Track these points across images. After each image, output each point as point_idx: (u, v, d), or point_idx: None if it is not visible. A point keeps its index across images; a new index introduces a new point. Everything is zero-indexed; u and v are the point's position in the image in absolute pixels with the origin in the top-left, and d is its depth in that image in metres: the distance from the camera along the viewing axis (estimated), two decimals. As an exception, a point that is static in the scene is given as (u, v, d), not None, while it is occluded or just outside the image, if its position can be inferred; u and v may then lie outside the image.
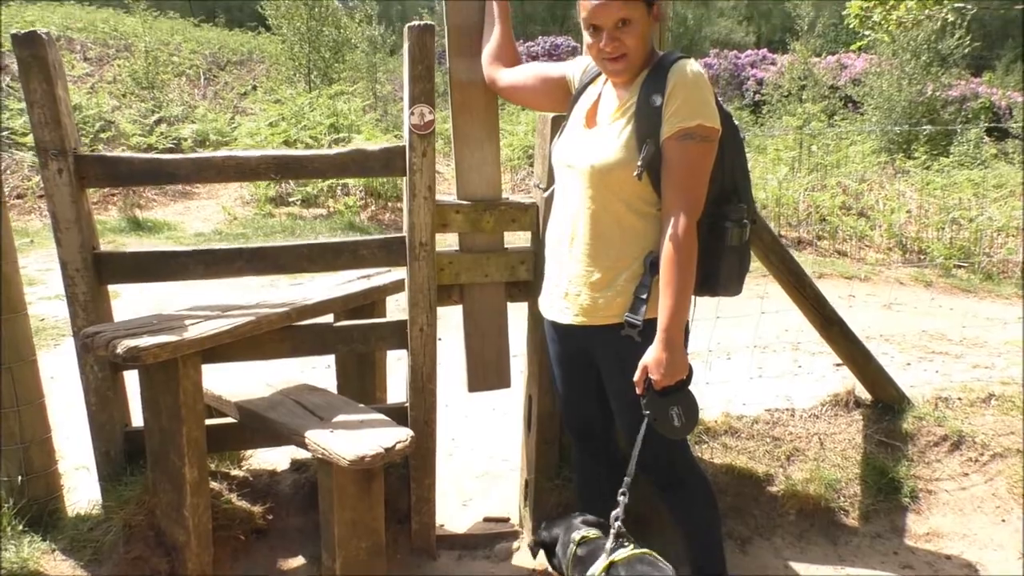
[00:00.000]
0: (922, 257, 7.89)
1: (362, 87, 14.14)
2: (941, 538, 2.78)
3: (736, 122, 1.98)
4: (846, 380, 3.38)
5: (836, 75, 17.53)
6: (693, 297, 1.96)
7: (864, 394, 3.32)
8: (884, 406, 3.25)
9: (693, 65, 1.88)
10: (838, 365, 3.46)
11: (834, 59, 18.31)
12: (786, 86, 16.30)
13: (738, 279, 2.06)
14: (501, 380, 2.76)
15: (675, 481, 2.20)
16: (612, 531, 1.98)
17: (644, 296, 1.94)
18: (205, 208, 9.31)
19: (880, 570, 2.65)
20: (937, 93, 14.78)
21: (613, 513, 1.99)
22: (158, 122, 10.87)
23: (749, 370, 4.08)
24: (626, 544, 1.99)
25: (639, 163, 1.87)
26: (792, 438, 3.13)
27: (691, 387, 1.97)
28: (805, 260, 7.46)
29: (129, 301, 4.99)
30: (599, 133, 2.00)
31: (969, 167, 11.04)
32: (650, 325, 1.92)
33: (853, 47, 11.72)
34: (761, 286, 5.53)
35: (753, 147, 12.02)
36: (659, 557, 1.98)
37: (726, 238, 1.95)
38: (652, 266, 1.92)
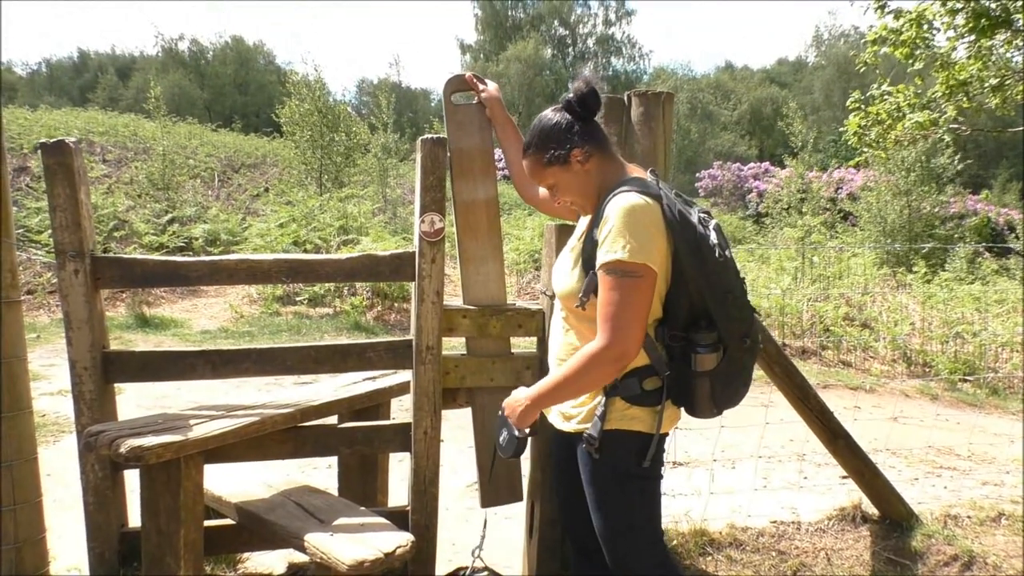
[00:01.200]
0: (927, 370, 7.88)
1: (372, 190, 14.51)
2: (956, 663, 2.69)
3: (714, 242, 1.90)
4: (852, 493, 3.33)
5: (836, 189, 17.96)
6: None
7: (871, 508, 3.27)
8: (892, 522, 3.19)
9: (625, 198, 1.91)
10: (844, 478, 3.42)
11: (830, 175, 18.78)
12: (785, 199, 16.68)
13: (713, 403, 2.03)
14: (513, 495, 2.75)
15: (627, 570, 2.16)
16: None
17: (600, 413, 2.02)
18: (212, 306, 9.40)
19: None
20: (936, 209, 15.10)
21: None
22: (171, 222, 11.11)
23: (754, 481, 4.02)
24: None
25: (581, 294, 2.00)
26: (798, 552, 3.06)
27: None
28: (810, 370, 7.46)
29: (132, 396, 4.99)
30: (562, 260, 2.15)
31: (968, 282, 11.16)
32: (609, 436, 2.00)
33: (851, 163, 12.07)
34: (766, 394, 5.54)
35: (756, 257, 12.20)
36: None
37: (693, 365, 1.96)
38: (611, 388, 2.01)
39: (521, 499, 2.76)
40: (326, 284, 9.21)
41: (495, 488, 2.72)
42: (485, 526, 2.40)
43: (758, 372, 5.83)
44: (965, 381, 7.49)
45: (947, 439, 5.37)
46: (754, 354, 2.03)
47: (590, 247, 1.99)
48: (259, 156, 18.50)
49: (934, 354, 8.17)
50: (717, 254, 1.89)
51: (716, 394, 2.01)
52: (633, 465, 2.03)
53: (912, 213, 14.44)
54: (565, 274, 2.10)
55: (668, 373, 1.98)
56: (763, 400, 5.11)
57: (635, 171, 2.08)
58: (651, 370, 1.99)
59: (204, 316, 9.03)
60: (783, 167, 19.46)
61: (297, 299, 9.26)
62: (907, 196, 14.52)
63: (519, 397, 2.07)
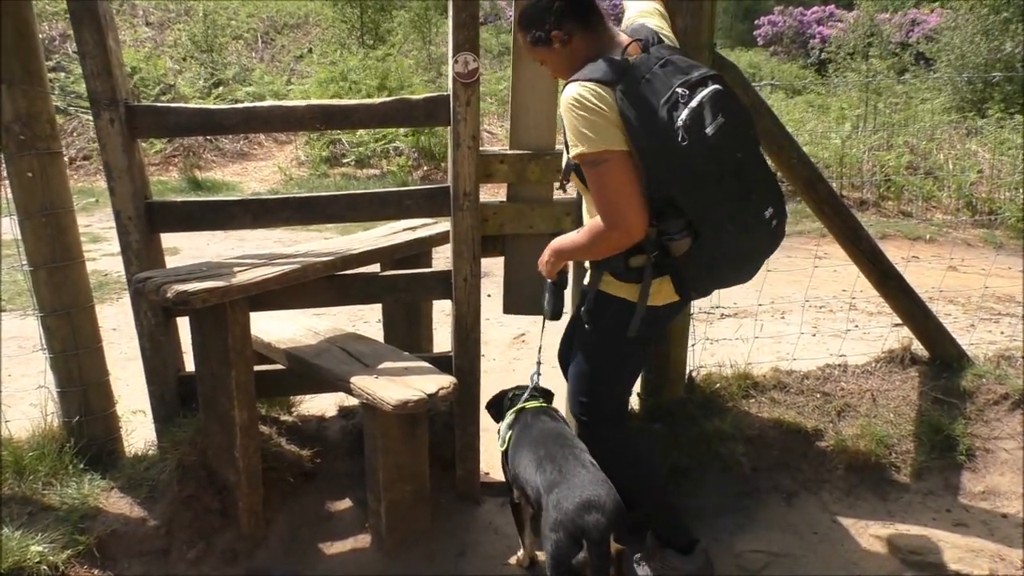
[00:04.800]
0: (992, 218, 7.57)
1: (415, 48, 14.08)
2: (998, 497, 2.69)
3: (680, 124, 1.76)
4: (904, 340, 3.28)
5: (907, 32, 16.80)
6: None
7: (921, 351, 3.22)
8: (942, 363, 3.14)
9: (568, 92, 1.90)
10: (897, 325, 3.36)
11: (904, 15, 17.55)
12: (851, 43, 15.70)
13: (695, 286, 2.05)
14: (535, 306, 2.75)
15: (587, 419, 2.29)
16: (529, 387, 2.43)
17: (591, 280, 2.12)
18: (262, 169, 9.46)
19: (932, 527, 2.58)
20: (1016, 50, 14.03)
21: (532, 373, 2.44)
22: (216, 85, 11.03)
23: (803, 328, 3.99)
24: (538, 398, 2.41)
25: (562, 176, 2.10)
26: (843, 394, 3.06)
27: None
28: (868, 221, 7.24)
29: (188, 258, 5.13)
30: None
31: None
32: (599, 297, 2.10)
33: (931, 4, 11.17)
34: (821, 247, 5.43)
35: (816, 107, 11.64)
36: (561, 416, 2.36)
37: (670, 251, 1.92)
38: (599, 261, 2.08)
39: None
40: (371, 144, 9.16)
41: (519, 297, 2.75)
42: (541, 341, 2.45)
43: (814, 223, 5.69)
44: (1033, 229, 7.19)
45: (1009, 287, 5.22)
46: (751, 236, 1.91)
47: (565, 133, 1.98)
48: (301, 16, 18.01)
49: (1002, 202, 7.82)
50: (680, 137, 1.76)
51: (696, 278, 2.00)
52: (614, 327, 2.09)
53: (993, 53, 13.46)
54: (564, 155, 2.09)
55: (655, 252, 1.95)
56: (818, 252, 5.02)
57: (618, 46, 1.95)
58: (638, 248, 1.97)
59: (254, 179, 9.11)
60: (851, 9, 18.23)
61: (344, 160, 9.25)
62: (995, 39, 13.46)
63: (546, 249, 2.20)
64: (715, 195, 1.82)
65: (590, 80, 1.88)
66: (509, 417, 2.37)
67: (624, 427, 2.33)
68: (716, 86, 1.81)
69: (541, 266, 2.24)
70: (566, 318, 2.41)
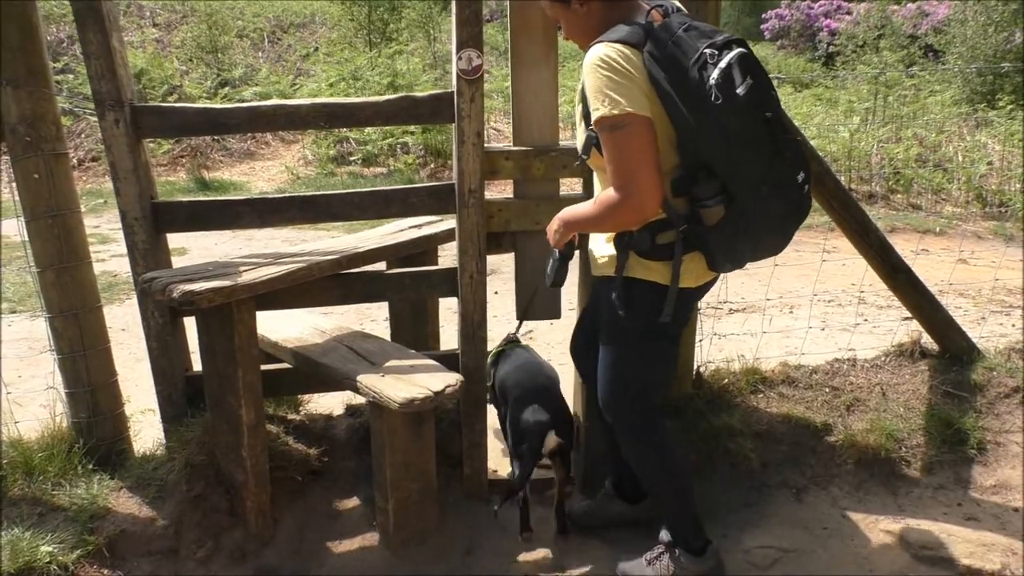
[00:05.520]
0: (1003, 210, 7.51)
1: (421, 46, 14.09)
2: (1009, 490, 2.67)
3: (712, 83, 1.74)
4: (913, 333, 3.26)
5: (916, 24, 16.69)
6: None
7: (931, 345, 3.20)
8: (952, 357, 3.12)
9: (594, 52, 1.85)
10: (906, 318, 3.34)
11: (914, 6, 17.43)
12: (861, 36, 15.61)
13: (729, 257, 1.97)
14: (549, 312, 2.76)
15: (620, 414, 2.27)
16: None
17: (619, 264, 2.05)
18: (270, 168, 9.49)
19: (942, 521, 2.56)
20: (1026, 40, 13.92)
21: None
22: (221, 85, 11.07)
23: (811, 322, 3.97)
24: (517, 341, 2.92)
25: (581, 151, 2.04)
26: (853, 388, 3.04)
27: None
28: (877, 214, 7.20)
29: (196, 258, 5.14)
30: (578, 114, 2.07)
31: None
32: (628, 284, 2.04)
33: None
34: (830, 240, 5.39)
35: (824, 100, 11.58)
36: (531, 349, 2.89)
37: (703, 220, 1.87)
38: (626, 241, 2.01)
39: (559, 316, 2.78)
40: (378, 142, 9.17)
41: (533, 306, 2.73)
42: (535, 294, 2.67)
43: (821, 218, 5.67)
44: (1045, 220, 7.13)
45: (1020, 279, 5.17)
46: (784, 199, 1.86)
47: (584, 102, 1.93)
48: (307, 15, 18.04)
49: (1012, 193, 7.76)
50: (713, 96, 1.72)
51: (731, 248, 1.92)
52: (648, 317, 2.03)
53: (1002, 44, 13.34)
54: (580, 130, 2.05)
55: (684, 227, 1.91)
56: (827, 247, 4.99)
57: (640, 11, 1.91)
58: (666, 223, 1.93)
59: (261, 179, 9.14)
60: (859, 1, 18.12)
61: (351, 159, 9.26)
62: (1004, 29, 13.34)
63: (555, 218, 2.17)
64: (749, 155, 1.79)
65: (617, 41, 1.83)
66: (491, 357, 2.81)
67: (659, 422, 2.28)
68: (741, 49, 1.80)
69: (549, 234, 2.19)
70: (570, 317, 2.41)
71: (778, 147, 1.81)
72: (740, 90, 1.74)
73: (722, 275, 2.15)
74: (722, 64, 1.75)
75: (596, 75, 1.83)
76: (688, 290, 2.03)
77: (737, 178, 1.81)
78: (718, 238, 1.90)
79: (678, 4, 2.07)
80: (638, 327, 2.09)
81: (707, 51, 1.77)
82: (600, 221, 2.01)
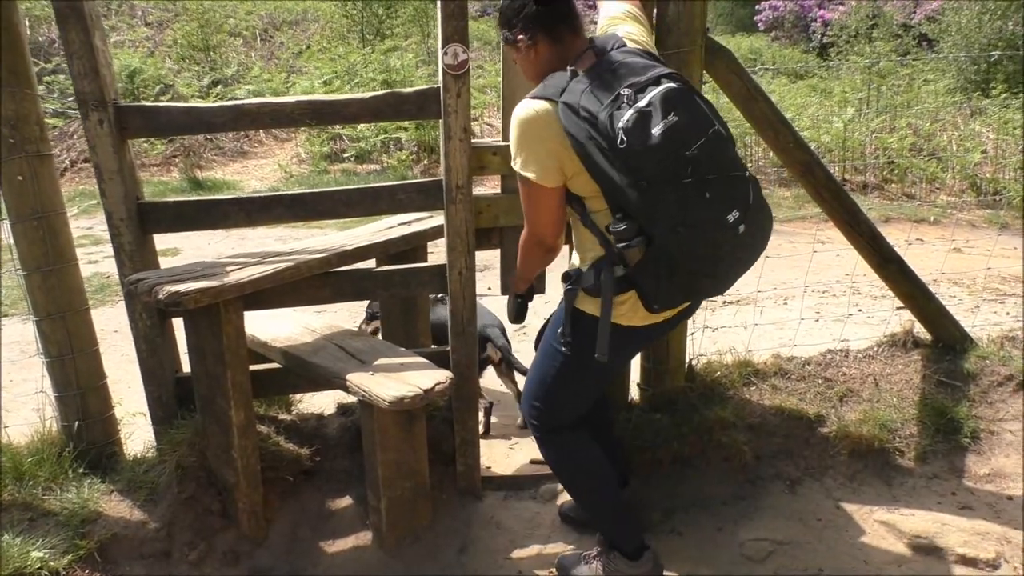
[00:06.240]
0: (997, 199, 7.51)
1: (415, 42, 14.06)
2: (1003, 479, 2.67)
3: (621, 127, 1.71)
4: (907, 323, 3.25)
5: (909, 13, 16.65)
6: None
7: (924, 334, 3.19)
8: (945, 346, 3.11)
9: (518, 110, 1.92)
10: (900, 308, 3.33)
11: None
12: (853, 26, 15.57)
13: (654, 299, 1.92)
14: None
15: (539, 424, 2.31)
16: None
17: (570, 298, 2.10)
18: (263, 167, 9.46)
19: (937, 510, 2.56)
20: (1019, 28, 13.88)
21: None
22: (214, 83, 11.03)
23: (805, 314, 3.96)
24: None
25: None
26: (845, 379, 3.03)
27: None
28: (871, 205, 7.20)
29: (189, 259, 5.12)
30: None
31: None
32: (575, 314, 2.08)
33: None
34: (824, 231, 5.38)
35: (818, 91, 11.56)
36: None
37: (627, 260, 1.86)
38: (574, 279, 2.06)
39: (543, 291, 2.73)
40: (371, 139, 9.15)
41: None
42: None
43: (814, 209, 5.64)
44: (1039, 208, 7.12)
45: (1014, 267, 5.17)
46: (708, 240, 1.79)
47: None
48: (299, 12, 17.98)
49: (1006, 182, 7.76)
50: (619, 140, 1.71)
51: (657, 288, 1.89)
52: (586, 346, 2.04)
53: (996, 33, 13.32)
54: None
55: (615, 264, 1.91)
56: (820, 237, 4.98)
57: (583, 60, 1.92)
58: (608, 262, 1.94)
59: (255, 177, 9.11)
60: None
61: (344, 156, 9.24)
62: (999, 18, 13.31)
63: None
64: (662, 197, 1.74)
65: (538, 98, 1.89)
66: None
67: (577, 433, 2.30)
68: (670, 84, 1.76)
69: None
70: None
71: (701, 188, 1.74)
72: (656, 130, 1.70)
73: None
74: (640, 104, 1.72)
75: (514, 132, 1.93)
76: (633, 329, 2.03)
77: (651, 220, 1.78)
78: (643, 279, 1.88)
79: (633, 37, 2.09)
80: (573, 356, 2.12)
81: (624, 91, 1.75)
82: (523, 260, 2.16)
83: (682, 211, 1.75)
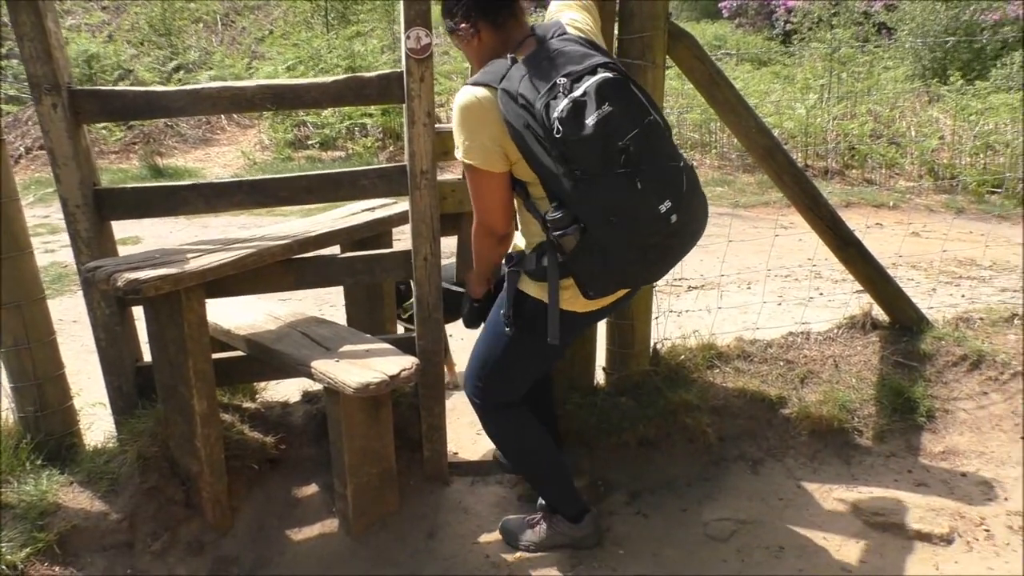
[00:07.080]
0: (954, 184, 7.66)
1: (381, 27, 13.92)
2: (957, 456, 2.74)
3: (556, 116, 1.72)
4: (865, 305, 3.31)
5: (870, 1, 16.86)
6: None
7: (882, 316, 3.25)
8: (902, 328, 3.18)
9: (459, 96, 1.94)
10: (860, 291, 3.39)
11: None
12: (816, 12, 15.74)
13: (589, 286, 1.94)
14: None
15: (480, 401, 2.35)
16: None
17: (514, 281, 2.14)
18: (225, 154, 9.32)
19: (894, 488, 2.62)
20: (975, 17, 14.13)
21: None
22: (176, 69, 10.82)
23: (767, 297, 4.01)
24: None
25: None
26: (806, 361, 3.09)
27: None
28: (833, 190, 7.30)
29: (150, 247, 5.03)
30: None
31: (1005, 90, 10.59)
32: (518, 296, 2.11)
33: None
34: (787, 216, 5.44)
35: (781, 77, 11.67)
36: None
37: (563, 248, 1.87)
38: (516, 262, 2.11)
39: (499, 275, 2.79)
40: (336, 125, 9.06)
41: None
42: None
43: (777, 194, 5.69)
44: (993, 193, 7.28)
45: (970, 251, 5.28)
46: (639, 230, 1.80)
47: None
48: (261, -3, 17.71)
49: (963, 167, 7.91)
50: (555, 129, 1.72)
51: (591, 276, 1.91)
52: (529, 327, 2.08)
53: (951, 22, 13.55)
54: None
55: (553, 251, 1.92)
56: (783, 222, 5.05)
57: (524, 48, 1.93)
58: (549, 247, 1.95)
59: (217, 165, 8.97)
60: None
61: (309, 143, 9.13)
62: (955, 7, 13.54)
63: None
64: (595, 187, 1.76)
65: (478, 84, 1.90)
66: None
67: (518, 408, 2.35)
68: (606, 74, 1.76)
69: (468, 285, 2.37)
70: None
71: (632, 178, 1.75)
72: (589, 120, 1.71)
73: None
74: (576, 93, 1.73)
75: (457, 119, 1.94)
76: (574, 314, 2.05)
77: (583, 210, 1.80)
78: (578, 267, 1.90)
79: (577, 24, 2.08)
80: (515, 337, 2.14)
81: (561, 80, 1.75)
82: (476, 254, 2.19)
83: (614, 201, 1.77)
